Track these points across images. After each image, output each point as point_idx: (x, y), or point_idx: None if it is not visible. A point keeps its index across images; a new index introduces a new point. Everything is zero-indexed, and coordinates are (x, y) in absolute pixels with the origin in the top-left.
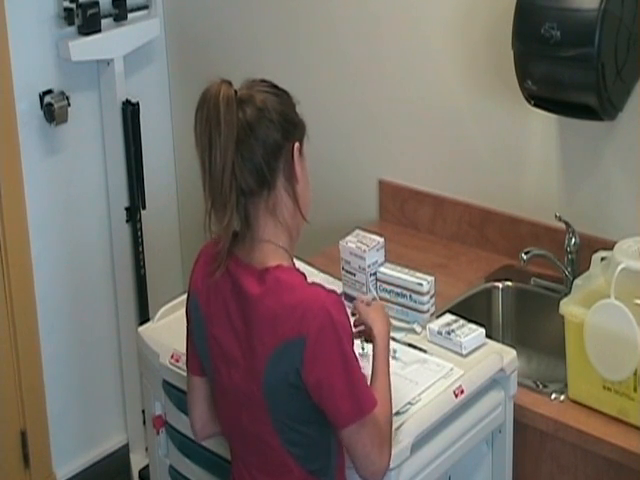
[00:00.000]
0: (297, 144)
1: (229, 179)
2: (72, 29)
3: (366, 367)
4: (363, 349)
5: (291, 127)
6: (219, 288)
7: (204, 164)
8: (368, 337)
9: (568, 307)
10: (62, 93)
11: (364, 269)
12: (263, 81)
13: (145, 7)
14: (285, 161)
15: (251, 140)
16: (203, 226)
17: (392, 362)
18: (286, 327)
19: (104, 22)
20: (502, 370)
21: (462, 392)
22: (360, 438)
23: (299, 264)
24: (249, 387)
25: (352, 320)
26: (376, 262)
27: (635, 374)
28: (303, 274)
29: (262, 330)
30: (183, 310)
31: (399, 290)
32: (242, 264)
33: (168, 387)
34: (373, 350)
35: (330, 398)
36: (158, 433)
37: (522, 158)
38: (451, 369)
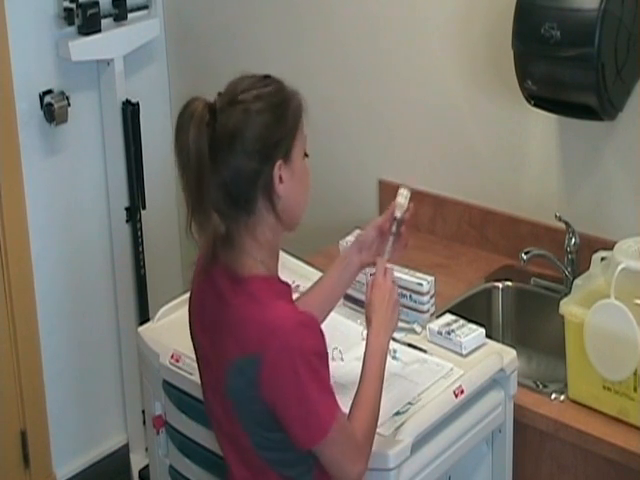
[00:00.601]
0: (279, 162)
1: (207, 205)
2: (72, 29)
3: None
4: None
5: (271, 149)
6: (203, 289)
7: (183, 187)
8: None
9: (568, 307)
10: (62, 93)
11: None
12: (253, 84)
13: (145, 7)
14: (264, 184)
15: (223, 171)
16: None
17: (392, 362)
18: (247, 342)
19: (104, 22)
20: (502, 370)
21: (462, 392)
22: (328, 453)
23: (299, 264)
24: (218, 388)
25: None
26: None
27: (635, 374)
28: (283, 286)
29: (228, 338)
30: (183, 310)
31: (399, 290)
32: (223, 270)
33: (168, 387)
34: (366, 347)
35: (284, 421)
36: (158, 433)
37: (522, 158)
38: (451, 369)
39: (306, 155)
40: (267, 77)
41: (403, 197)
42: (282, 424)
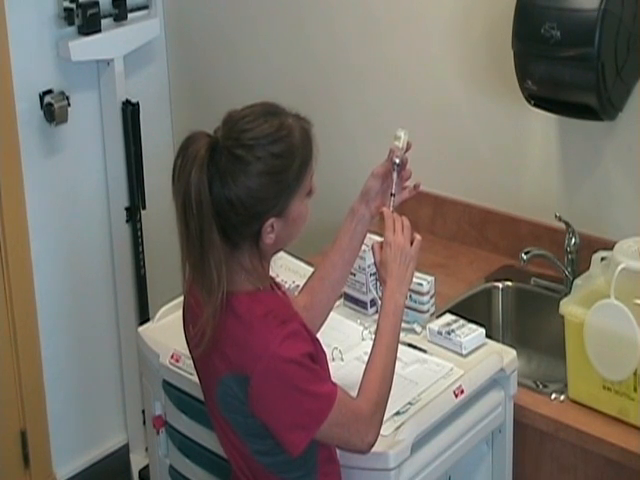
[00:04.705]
0: (272, 219)
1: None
2: (72, 29)
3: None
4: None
5: (265, 208)
6: (194, 294)
7: (180, 221)
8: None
9: (568, 307)
10: (62, 93)
11: (364, 269)
12: (257, 132)
13: (145, 7)
14: (252, 233)
15: (212, 222)
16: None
17: None
18: (233, 363)
19: (104, 22)
20: (502, 370)
21: (462, 392)
22: (332, 436)
23: (299, 264)
24: (211, 397)
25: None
26: None
27: (635, 374)
28: (269, 296)
29: (215, 354)
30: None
31: None
32: None
33: (168, 387)
34: (380, 309)
35: (276, 433)
36: (158, 433)
37: (522, 158)
38: (451, 369)
39: (310, 192)
40: (274, 114)
41: (399, 140)
42: (274, 436)
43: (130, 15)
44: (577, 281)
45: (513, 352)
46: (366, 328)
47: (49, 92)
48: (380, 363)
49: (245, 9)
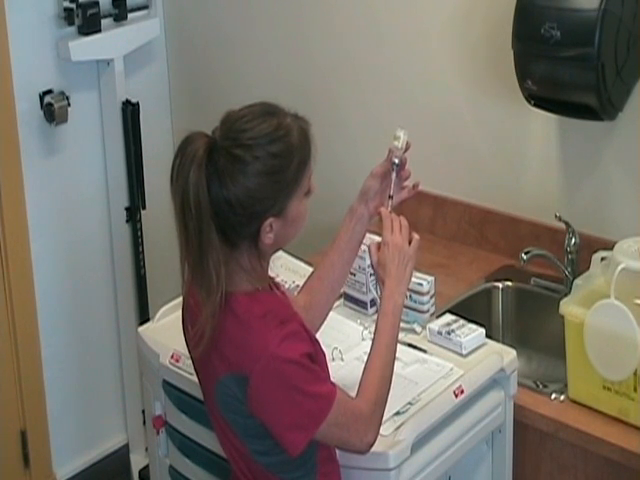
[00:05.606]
0: (270, 219)
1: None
2: (72, 29)
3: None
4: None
5: (263, 208)
6: (193, 294)
7: (178, 220)
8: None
9: (568, 307)
10: (62, 93)
11: (364, 269)
12: (255, 132)
13: (145, 7)
14: (251, 232)
15: (211, 222)
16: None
17: None
18: (232, 363)
19: (104, 22)
20: (502, 370)
21: (462, 392)
22: (331, 436)
23: (299, 264)
24: (210, 397)
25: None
26: None
27: (635, 374)
28: (268, 296)
29: (214, 354)
30: None
31: None
32: None
33: (168, 387)
34: (379, 309)
35: (275, 433)
36: (158, 433)
37: (522, 158)
38: (451, 369)
39: (309, 192)
40: (272, 114)
41: (398, 140)
42: (272, 435)
43: (130, 15)
44: (577, 281)
45: (513, 352)
46: (366, 328)
47: (49, 92)
48: (379, 363)
49: (245, 9)
